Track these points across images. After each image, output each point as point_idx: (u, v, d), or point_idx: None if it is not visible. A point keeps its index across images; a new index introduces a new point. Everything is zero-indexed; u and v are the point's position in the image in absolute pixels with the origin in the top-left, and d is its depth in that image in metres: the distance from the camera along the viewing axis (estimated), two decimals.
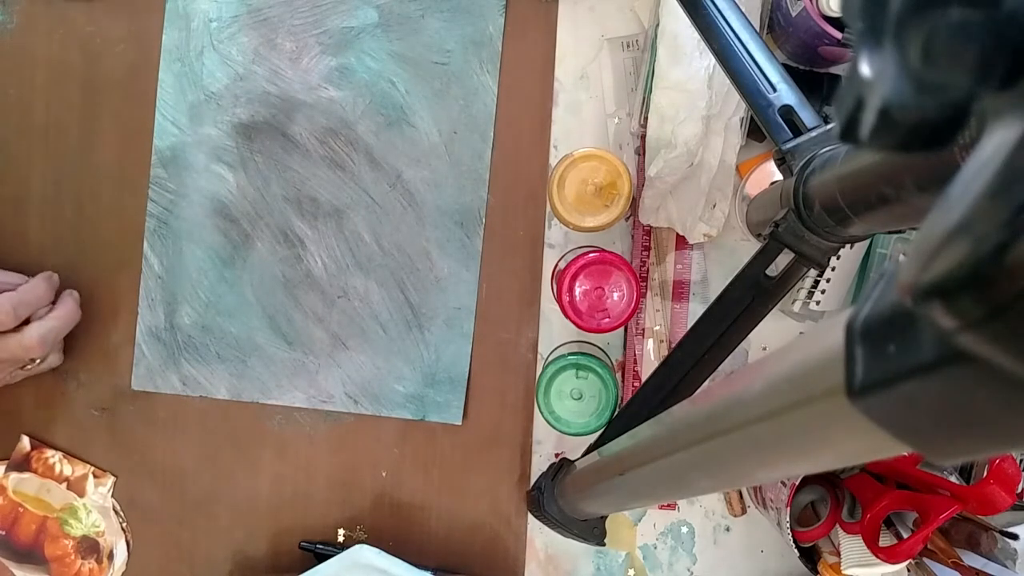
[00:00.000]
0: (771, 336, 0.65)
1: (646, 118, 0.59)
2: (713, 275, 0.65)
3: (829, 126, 0.45)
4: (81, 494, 0.67)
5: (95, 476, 0.67)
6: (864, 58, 0.15)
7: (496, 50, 0.64)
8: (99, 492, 0.67)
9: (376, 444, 0.67)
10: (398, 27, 0.64)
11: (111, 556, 0.68)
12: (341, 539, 0.67)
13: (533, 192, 0.65)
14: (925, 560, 0.60)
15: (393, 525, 0.67)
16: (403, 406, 0.66)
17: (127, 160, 0.66)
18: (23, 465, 0.67)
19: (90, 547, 0.68)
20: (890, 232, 0.59)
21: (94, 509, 0.67)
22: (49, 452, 0.67)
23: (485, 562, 0.67)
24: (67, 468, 0.67)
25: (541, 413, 0.59)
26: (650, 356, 0.64)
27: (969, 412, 0.15)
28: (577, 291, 0.56)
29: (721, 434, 0.25)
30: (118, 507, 0.68)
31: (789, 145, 0.45)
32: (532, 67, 0.65)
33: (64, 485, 0.67)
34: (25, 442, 0.67)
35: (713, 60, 0.53)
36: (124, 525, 0.68)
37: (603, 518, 0.53)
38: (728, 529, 0.67)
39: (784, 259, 0.45)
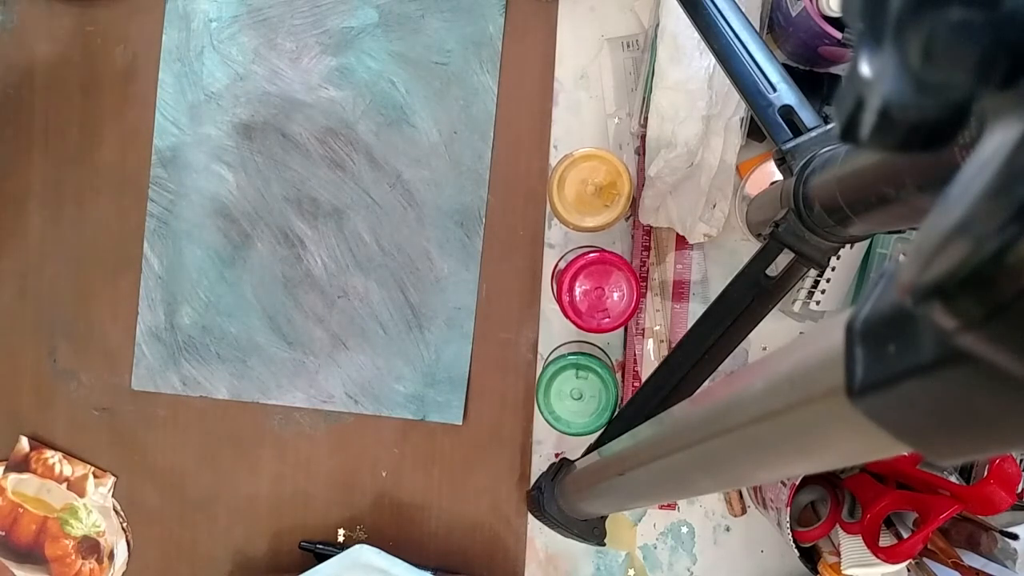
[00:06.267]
0: (771, 336, 0.65)
1: (646, 118, 0.59)
2: (713, 275, 0.65)
3: (829, 126, 0.45)
4: (81, 494, 0.67)
5: (95, 476, 0.67)
6: (864, 58, 0.15)
7: (496, 50, 0.64)
8: (99, 492, 0.67)
9: (376, 444, 0.67)
10: (398, 27, 0.64)
11: (111, 556, 0.68)
12: (341, 539, 0.67)
13: (533, 192, 0.65)
14: (925, 560, 0.60)
15: (393, 525, 0.67)
16: (403, 406, 0.66)
17: (127, 160, 0.66)
18: (22, 466, 0.67)
19: (90, 547, 0.68)
20: (890, 232, 0.59)
21: (94, 509, 0.67)
22: (49, 452, 0.67)
23: (485, 562, 0.67)
24: (67, 468, 0.67)
25: (541, 413, 0.59)
26: (650, 356, 0.64)
27: (969, 412, 0.15)
28: (577, 291, 0.56)
29: (721, 434, 0.25)
30: (118, 507, 0.68)
31: (789, 145, 0.45)
32: (532, 67, 0.65)
33: (64, 485, 0.67)
34: (24, 443, 0.67)
35: (713, 60, 0.53)
36: (124, 525, 0.68)
37: (603, 518, 0.53)
38: (728, 529, 0.67)
39: (784, 259, 0.45)
